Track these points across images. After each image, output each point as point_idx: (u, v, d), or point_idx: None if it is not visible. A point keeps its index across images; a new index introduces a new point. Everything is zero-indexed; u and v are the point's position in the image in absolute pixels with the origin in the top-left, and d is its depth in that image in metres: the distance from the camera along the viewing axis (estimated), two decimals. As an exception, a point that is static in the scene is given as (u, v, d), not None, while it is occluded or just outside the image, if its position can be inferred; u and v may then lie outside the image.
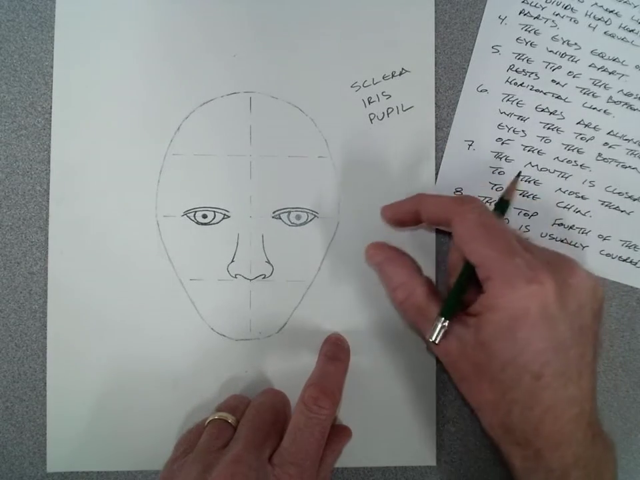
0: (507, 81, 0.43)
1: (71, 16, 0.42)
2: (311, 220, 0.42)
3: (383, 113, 0.43)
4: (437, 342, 0.35)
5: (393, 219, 0.41)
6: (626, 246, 0.43)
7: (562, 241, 0.43)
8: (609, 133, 0.44)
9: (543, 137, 0.43)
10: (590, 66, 0.44)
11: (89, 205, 0.42)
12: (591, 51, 0.44)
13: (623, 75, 0.44)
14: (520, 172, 0.41)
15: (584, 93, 0.43)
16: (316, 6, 0.43)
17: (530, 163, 0.43)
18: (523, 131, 0.43)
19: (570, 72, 0.44)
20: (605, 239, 0.43)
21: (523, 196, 0.43)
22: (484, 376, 0.34)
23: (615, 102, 0.44)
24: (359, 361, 0.42)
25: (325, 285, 0.42)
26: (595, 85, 0.43)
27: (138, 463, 0.41)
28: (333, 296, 0.42)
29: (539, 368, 0.33)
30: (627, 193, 0.43)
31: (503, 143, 0.43)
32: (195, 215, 0.42)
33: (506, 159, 0.43)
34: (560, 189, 0.43)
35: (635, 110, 0.44)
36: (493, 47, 0.44)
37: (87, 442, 0.41)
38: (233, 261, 0.42)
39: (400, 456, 0.42)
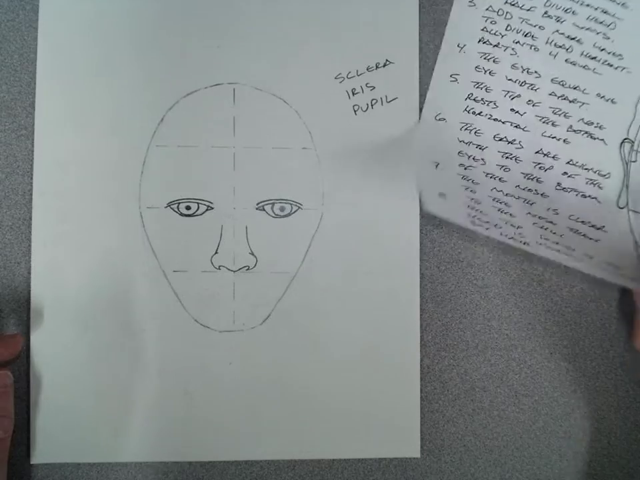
0: (465, 109, 0.43)
1: (54, 8, 0.43)
2: (295, 211, 0.42)
3: (367, 104, 0.43)
4: None
5: None
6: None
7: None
8: (568, 162, 0.42)
9: (502, 166, 0.42)
10: (550, 94, 0.42)
11: (72, 197, 0.42)
12: (552, 79, 0.42)
13: (583, 103, 0.42)
14: None
15: (543, 122, 0.42)
16: (300, -2, 0.43)
17: (495, 188, 0.42)
18: (482, 159, 0.42)
19: (530, 100, 0.42)
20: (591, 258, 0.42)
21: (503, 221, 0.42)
22: None
23: (575, 131, 0.42)
24: (342, 351, 0.42)
25: (309, 276, 0.42)
26: (554, 113, 0.42)
27: (121, 455, 0.41)
28: (317, 287, 0.42)
29: None
30: (589, 222, 0.42)
31: (465, 169, 0.42)
32: (178, 206, 0.42)
33: (473, 181, 0.42)
34: (529, 213, 0.42)
35: (595, 139, 0.42)
36: (451, 76, 0.43)
37: (71, 433, 0.41)
38: (216, 253, 0.42)
39: (383, 448, 0.41)
